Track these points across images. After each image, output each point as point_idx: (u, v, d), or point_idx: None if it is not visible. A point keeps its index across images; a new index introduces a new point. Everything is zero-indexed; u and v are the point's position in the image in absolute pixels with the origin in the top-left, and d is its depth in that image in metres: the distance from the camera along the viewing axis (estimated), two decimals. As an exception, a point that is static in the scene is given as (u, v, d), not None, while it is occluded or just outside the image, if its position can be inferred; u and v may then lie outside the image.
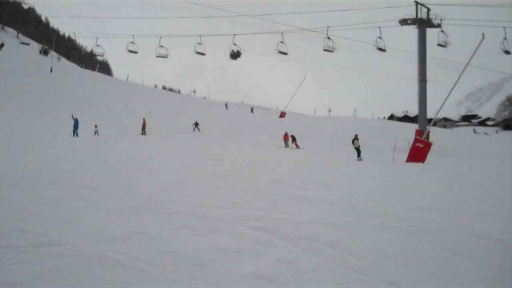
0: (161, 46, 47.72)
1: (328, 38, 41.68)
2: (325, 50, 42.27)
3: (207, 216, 8.26)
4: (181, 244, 6.26)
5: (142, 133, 49.03)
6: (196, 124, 54.93)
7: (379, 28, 40.85)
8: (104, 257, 5.44)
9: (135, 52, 48.30)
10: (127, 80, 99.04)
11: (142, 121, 50.48)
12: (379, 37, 41.11)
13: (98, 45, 49.80)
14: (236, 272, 5.15)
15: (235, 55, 46.29)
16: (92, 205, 8.93)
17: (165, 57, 48.39)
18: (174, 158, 23.46)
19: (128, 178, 14.03)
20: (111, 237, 6.40)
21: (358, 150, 31.75)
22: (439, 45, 40.90)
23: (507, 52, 39.53)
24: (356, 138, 32.47)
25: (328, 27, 41.69)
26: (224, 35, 45.37)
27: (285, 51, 43.25)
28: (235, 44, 45.82)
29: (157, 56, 48.14)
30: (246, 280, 4.96)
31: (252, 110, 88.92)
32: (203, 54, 45.81)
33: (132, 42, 47.53)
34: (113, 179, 13.73)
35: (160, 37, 47.61)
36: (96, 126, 46.44)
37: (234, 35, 45.38)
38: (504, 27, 38.46)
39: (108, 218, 7.73)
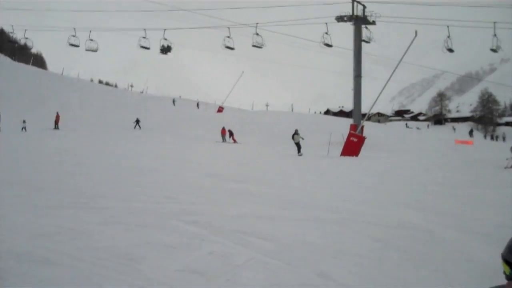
0: (91, 40, 46.73)
1: (257, 34, 41.93)
2: (253, 46, 42.48)
3: (140, 211, 8.18)
4: (112, 239, 6.19)
5: (55, 128, 47.30)
6: (137, 121, 52.86)
7: (326, 24, 41.32)
8: (32, 254, 5.32)
9: (77, 46, 47.09)
10: (62, 74, 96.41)
11: (56, 114, 48.65)
12: (326, 33, 41.55)
13: (26, 38, 48.23)
14: (168, 267, 5.14)
15: (165, 49, 45.98)
16: (21, 201, 8.70)
17: (95, 51, 47.47)
18: (108, 153, 23.06)
19: (60, 174, 13.70)
20: (40, 233, 6.27)
21: (298, 145, 30.92)
22: (363, 40, 41.69)
23: (450, 50, 40.71)
24: (296, 133, 31.54)
25: (257, 23, 41.91)
26: (155, 29, 44.90)
27: (231, 46, 43.26)
28: (165, 39, 45.51)
29: (86, 50, 47.18)
30: (177, 274, 4.96)
31: (198, 105, 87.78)
32: (148, 48, 45.20)
33: (74, 36, 46.22)
34: (43, 174, 13.39)
35: (90, 31, 46.61)
36: (24, 121, 44.33)
37: (165, 29, 45.07)
38: (447, 26, 39.60)
39: (38, 214, 7.55)
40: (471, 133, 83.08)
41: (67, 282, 4.54)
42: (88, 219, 7.36)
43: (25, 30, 47.37)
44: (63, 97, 68.91)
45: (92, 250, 5.57)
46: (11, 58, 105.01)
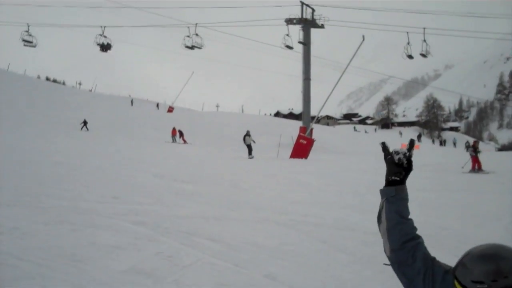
0: (29, 34, 45.55)
1: (197, 34, 41.83)
2: (191, 46, 42.36)
3: (86, 211, 8.06)
4: (57, 239, 6.09)
5: None
6: (85, 122, 49.28)
7: (287, 26, 41.46)
8: (-28, 254, 5.18)
9: (31, 43, 45.77)
10: (7, 70, 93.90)
11: None
12: (287, 35, 41.63)
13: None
14: (114, 268, 5.10)
15: (105, 47, 45.41)
16: (-38, 200, 8.44)
17: (34, 46, 46.32)
18: (54, 152, 22.58)
19: (3, 172, 13.35)
20: (-19, 233, 6.11)
21: (249, 147, 29.96)
22: (300, 42, 42.00)
23: (410, 57, 41.39)
24: (247, 134, 30.60)
25: (196, 24, 41.87)
26: (90, 26, 44.35)
27: (199, 46, 42.82)
28: (105, 37, 44.96)
29: (24, 45, 46.06)
30: (123, 275, 4.92)
31: (157, 106, 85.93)
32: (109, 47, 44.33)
33: (27, 31, 44.72)
34: (-14, 172, 13.03)
35: (28, 25, 45.50)
36: None
37: (104, 27, 44.61)
38: (407, 32, 40.31)
39: (-21, 214, 7.35)
40: (419, 137, 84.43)
41: (10, 283, 4.44)
42: (32, 218, 7.20)
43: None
44: (8, 94, 67.14)
45: (37, 250, 5.47)
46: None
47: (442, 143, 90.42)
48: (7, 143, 25.30)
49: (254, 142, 30.60)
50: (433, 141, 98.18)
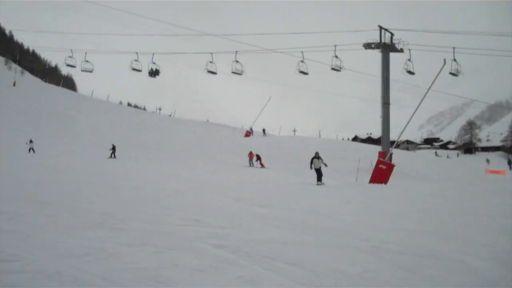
0: (86, 61, 47.13)
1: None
2: (232, 72, 42.60)
3: (168, 234, 8.19)
4: (141, 261, 6.19)
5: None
6: (113, 148, 45.52)
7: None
8: (62, 274, 5.34)
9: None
10: (91, 96, 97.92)
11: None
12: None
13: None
14: (197, 290, 5.11)
15: (153, 73, 46.51)
16: (52, 220, 8.79)
17: (91, 71, 47.83)
18: (136, 176, 23.24)
19: (89, 195, 13.84)
20: (70, 253, 6.30)
21: (318, 172, 26.01)
22: (409, 72, 41.48)
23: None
24: (316, 156, 26.57)
25: (236, 51, 42.05)
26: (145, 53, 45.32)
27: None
28: (154, 63, 46.09)
29: (82, 71, 47.78)
30: (206, 298, 4.93)
31: (264, 131, 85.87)
32: (215, 73, 45.08)
33: (136, 60, 46.35)
34: (74, 195, 13.55)
35: (86, 53, 47.16)
36: (31, 141, 43.07)
37: (153, 54, 45.78)
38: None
39: (68, 234, 7.61)
40: (510, 163, 77.17)
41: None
42: (117, 240, 7.39)
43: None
44: (92, 119, 69.85)
45: (122, 271, 5.58)
46: (42, 79, 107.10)
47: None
48: (91, 168, 26.26)
49: (326, 165, 26.83)
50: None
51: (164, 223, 9.29)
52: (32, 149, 42.05)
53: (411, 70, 41.69)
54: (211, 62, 43.13)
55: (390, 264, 6.95)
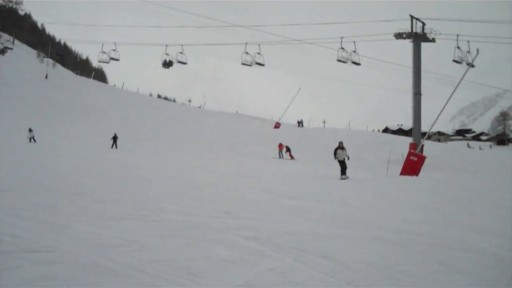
0: (114, 50, 47.56)
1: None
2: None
3: (199, 225, 8.25)
4: (173, 252, 6.25)
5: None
6: (115, 138, 44.57)
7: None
8: (96, 264, 5.43)
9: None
10: (122, 88, 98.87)
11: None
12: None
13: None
14: (229, 282, 5.14)
15: (167, 64, 46.68)
16: (85, 212, 8.93)
17: (107, 62, 48.22)
18: (166, 167, 23.45)
19: (121, 186, 14.03)
20: (103, 244, 6.40)
21: (342, 164, 23.60)
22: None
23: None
24: (340, 147, 24.04)
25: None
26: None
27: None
28: (167, 54, 46.20)
29: (99, 61, 48.42)
30: (238, 290, 4.96)
31: (301, 123, 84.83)
32: (263, 65, 45.05)
33: (181, 52, 46.62)
34: (106, 186, 13.74)
35: (103, 44, 47.78)
36: (30, 130, 42.66)
37: (167, 45, 45.93)
38: None
39: (101, 226, 7.73)
40: None
41: (130, 294, 4.61)
42: (149, 231, 7.47)
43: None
44: (123, 111, 70.53)
45: (154, 263, 5.64)
46: (74, 72, 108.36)
47: None
48: (123, 159, 26.55)
49: (348, 158, 24.04)
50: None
51: (194, 215, 9.36)
52: (33, 138, 42.13)
53: (470, 62, 40.54)
54: (246, 53, 43.18)
55: (422, 257, 6.90)
